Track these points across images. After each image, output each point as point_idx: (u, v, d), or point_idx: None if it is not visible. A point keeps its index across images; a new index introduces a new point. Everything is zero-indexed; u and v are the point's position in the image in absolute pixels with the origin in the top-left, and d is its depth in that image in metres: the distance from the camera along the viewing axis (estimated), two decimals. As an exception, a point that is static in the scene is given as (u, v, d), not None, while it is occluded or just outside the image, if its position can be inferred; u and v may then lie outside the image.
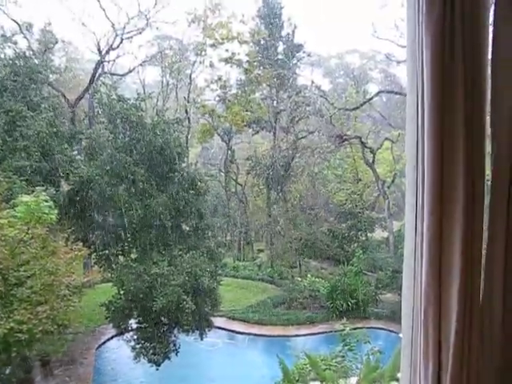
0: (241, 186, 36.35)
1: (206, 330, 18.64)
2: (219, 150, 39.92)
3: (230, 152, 35.50)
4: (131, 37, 31.11)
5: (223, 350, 21.80)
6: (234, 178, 36.73)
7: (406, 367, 2.18)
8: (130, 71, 34.63)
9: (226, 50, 31.78)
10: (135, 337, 18.00)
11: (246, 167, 34.83)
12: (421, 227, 1.99)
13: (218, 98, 33.85)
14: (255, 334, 22.84)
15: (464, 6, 1.76)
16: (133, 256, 20.17)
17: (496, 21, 1.82)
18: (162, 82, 37.95)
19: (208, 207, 27.02)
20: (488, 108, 1.88)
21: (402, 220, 34.77)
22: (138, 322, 18.21)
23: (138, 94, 21.58)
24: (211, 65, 33.07)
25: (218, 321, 21.74)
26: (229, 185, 36.22)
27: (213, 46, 32.05)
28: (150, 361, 17.51)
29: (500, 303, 1.96)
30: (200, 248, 19.90)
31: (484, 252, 1.94)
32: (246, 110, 32.16)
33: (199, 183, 20.69)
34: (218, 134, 35.64)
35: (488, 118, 1.87)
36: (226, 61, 32.11)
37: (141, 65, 34.99)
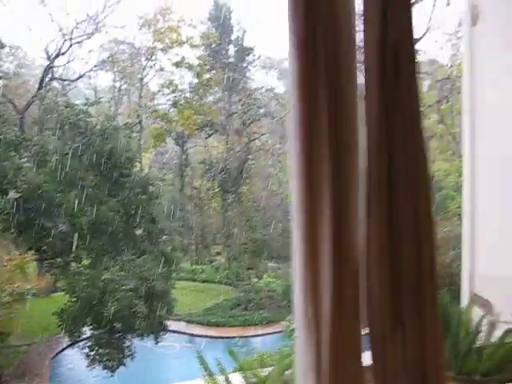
0: (196, 189, 36.32)
1: (161, 334, 18.63)
2: (175, 154, 39.75)
3: (183, 156, 35.46)
4: (80, 41, 30.77)
5: (180, 353, 21.75)
6: (190, 181, 36.67)
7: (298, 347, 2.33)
8: (81, 76, 34.18)
9: (176, 54, 31.81)
10: (89, 344, 17.86)
11: (200, 170, 34.82)
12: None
13: (170, 102, 33.79)
14: (212, 337, 22.91)
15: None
16: (85, 262, 20.00)
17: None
18: (114, 86, 37.63)
19: (163, 211, 26.98)
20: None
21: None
22: (92, 329, 18.07)
23: (86, 99, 21.44)
24: (161, 69, 33.04)
25: (177, 325, 21.78)
26: (184, 188, 36.12)
27: (163, 50, 32.02)
28: (104, 367, 17.40)
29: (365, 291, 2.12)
30: (153, 252, 19.89)
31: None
32: (198, 114, 32.18)
33: (150, 187, 20.69)
34: (173, 138, 35.52)
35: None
36: (177, 65, 32.11)
37: (92, 70, 34.62)
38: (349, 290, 2.13)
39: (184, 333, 23.18)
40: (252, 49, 34.93)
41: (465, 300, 7.82)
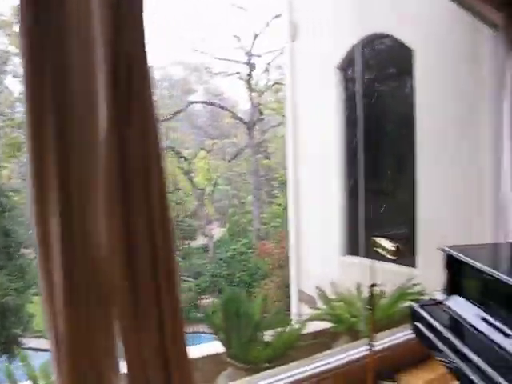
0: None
1: (16, 352, 17.68)
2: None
3: (45, 166, 33.88)
4: None
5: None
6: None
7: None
8: None
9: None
10: None
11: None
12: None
13: (28, 110, 32.13)
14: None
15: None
16: None
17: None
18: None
19: (25, 224, 25.79)
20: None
21: (226, 226, 35.58)
22: None
23: None
24: (16, 75, 31.44)
25: (38, 342, 20.83)
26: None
27: (18, 54, 30.50)
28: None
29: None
30: (8, 267, 18.92)
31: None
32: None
33: (4, 199, 19.66)
34: (34, 148, 33.82)
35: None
36: (36, 71, 30.69)
37: None
38: (83, 286, 2.26)
39: (45, 350, 22.25)
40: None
41: (294, 296, 8.39)
